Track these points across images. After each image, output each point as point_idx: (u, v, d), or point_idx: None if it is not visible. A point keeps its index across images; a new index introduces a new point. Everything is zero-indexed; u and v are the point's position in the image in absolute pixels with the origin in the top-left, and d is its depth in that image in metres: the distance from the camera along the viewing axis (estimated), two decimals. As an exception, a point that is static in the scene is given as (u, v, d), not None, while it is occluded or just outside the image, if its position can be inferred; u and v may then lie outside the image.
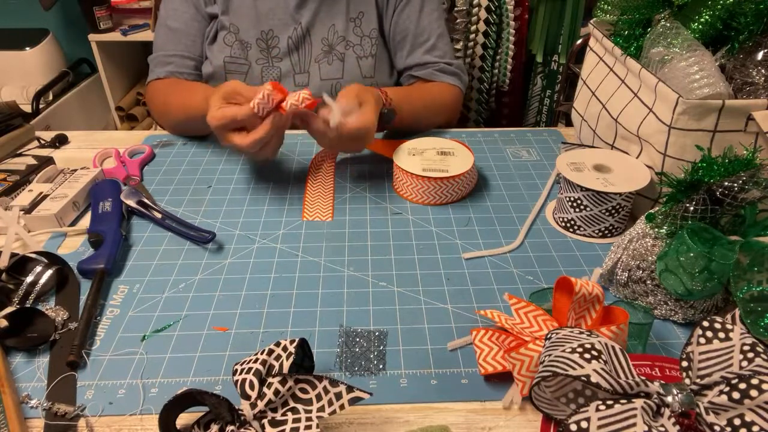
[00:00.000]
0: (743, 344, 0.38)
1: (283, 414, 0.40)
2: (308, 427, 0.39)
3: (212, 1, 0.93)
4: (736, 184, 0.49)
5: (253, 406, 0.40)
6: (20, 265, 0.59)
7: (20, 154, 0.85)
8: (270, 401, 0.40)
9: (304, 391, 0.41)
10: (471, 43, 1.65)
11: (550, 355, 0.41)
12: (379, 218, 0.71)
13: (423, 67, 0.98)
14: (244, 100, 0.67)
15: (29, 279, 0.57)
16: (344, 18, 0.95)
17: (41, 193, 0.72)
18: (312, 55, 0.95)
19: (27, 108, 1.80)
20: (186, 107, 0.84)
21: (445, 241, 0.67)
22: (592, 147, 0.76)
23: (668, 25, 0.64)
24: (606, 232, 0.66)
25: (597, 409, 0.37)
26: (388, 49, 1.01)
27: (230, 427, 0.39)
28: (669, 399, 0.38)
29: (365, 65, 0.97)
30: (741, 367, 0.37)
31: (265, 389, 0.40)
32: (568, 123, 1.75)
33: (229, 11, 0.93)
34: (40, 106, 1.86)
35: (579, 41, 1.65)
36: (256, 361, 0.42)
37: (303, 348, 0.45)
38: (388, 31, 0.98)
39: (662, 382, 0.39)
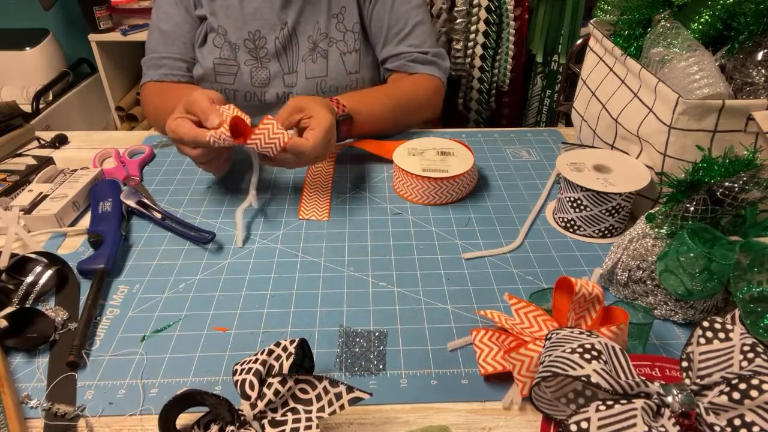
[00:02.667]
0: (743, 344, 0.38)
1: (283, 414, 0.40)
2: (308, 427, 0.39)
3: (200, 3, 0.94)
4: (736, 185, 0.49)
5: (253, 406, 0.40)
6: (20, 265, 0.59)
7: (20, 154, 0.85)
8: (270, 401, 0.40)
9: (304, 391, 0.41)
10: (471, 43, 1.65)
11: (550, 356, 0.41)
12: (379, 218, 0.71)
13: (396, 58, 0.96)
14: (199, 113, 0.65)
15: (29, 279, 0.57)
16: (326, 14, 0.94)
17: (41, 193, 0.72)
18: (299, 54, 0.95)
19: (27, 108, 1.80)
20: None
21: (445, 241, 0.67)
22: (592, 147, 0.76)
23: (668, 25, 0.64)
24: (606, 232, 0.66)
25: (597, 410, 0.37)
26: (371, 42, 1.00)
27: (230, 428, 0.39)
28: (669, 399, 0.38)
29: (349, 61, 0.96)
30: (741, 368, 0.37)
31: (265, 389, 0.40)
32: (568, 123, 1.75)
33: (216, 13, 0.93)
34: (40, 106, 1.86)
35: (579, 41, 1.64)
36: (256, 361, 0.42)
37: (303, 348, 0.45)
38: (367, 24, 0.97)
39: (662, 382, 0.39)
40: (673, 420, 0.37)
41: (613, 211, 0.64)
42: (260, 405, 0.39)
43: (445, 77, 0.99)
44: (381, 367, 0.50)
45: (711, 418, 0.36)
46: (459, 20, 1.60)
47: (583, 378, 0.38)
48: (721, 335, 0.39)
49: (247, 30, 0.93)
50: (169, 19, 0.93)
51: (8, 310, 0.53)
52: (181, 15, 0.93)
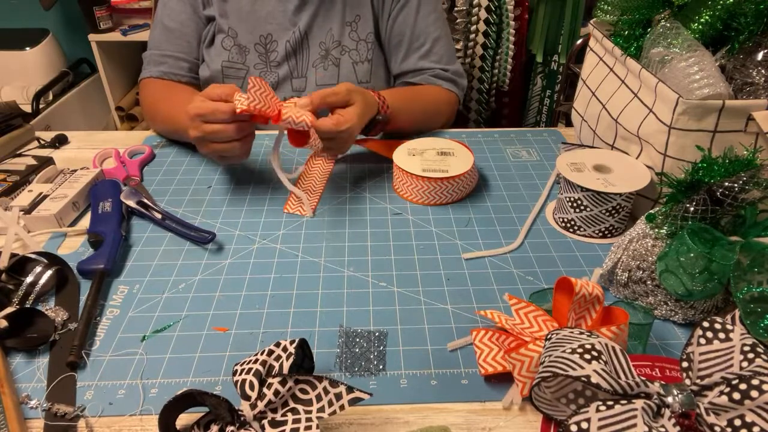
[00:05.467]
0: (743, 345, 0.38)
1: (283, 414, 0.40)
2: (308, 427, 0.39)
3: (209, 3, 0.93)
4: (736, 185, 0.49)
5: (253, 406, 0.40)
6: (20, 265, 0.59)
7: (20, 155, 0.85)
8: (270, 402, 0.40)
9: (304, 391, 0.41)
10: (471, 43, 1.65)
11: (550, 356, 0.41)
12: (379, 218, 0.71)
13: (418, 73, 0.97)
14: (222, 92, 0.66)
15: (29, 279, 0.57)
16: (341, 22, 0.94)
17: (41, 193, 0.72)
18: (310, 59, 0.94)
19: (27, 108, 1.80)
20: (172, 118, 0.84)
21: (445, 241, 0.67)
22: (592, 147, 0.76)
23: (668, 25, 0.64)
24: (606, 232, 0.66)
25: (597, 410, 0.37)
26: (384, 53, 1.00)
27: (230, 428, 0.39)
28: (669, 399, 0.38)
29: (361, 70, 0.96)
30: (741, 368, 0.37)
31: (265, 390, 0.40)
32: (568, 123, 1.75)
33: (226, 15, 0.92)
34: (40, 106, 1.86)
35: (579, 41, 1.65)
36: (256, 361, 0.42)
37: (303, 348, 0.45)
38: (384, 34, 0.97)
39: (662, 382, 0.39)
40: (673, 420, 0.37)
41: (613, 212, 0.64)
42: (260, 405, 0.39)
43: (461, 95, 1.01)
44: (381, 367, 0.50)
45: (711, 419, 0.36)
46: (459, 20, 1.61)
47: (583, 378, 0.38)
48: (721, 335, 0.39)
49: (258, 33, 0.92)
50: (174, 17, 0.92)
51: (8, 310, 0.53)
52: (187, 13, 0.93)
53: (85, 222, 0.69)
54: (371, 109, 0.75)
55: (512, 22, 1.63)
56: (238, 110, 0.62)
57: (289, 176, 0.71)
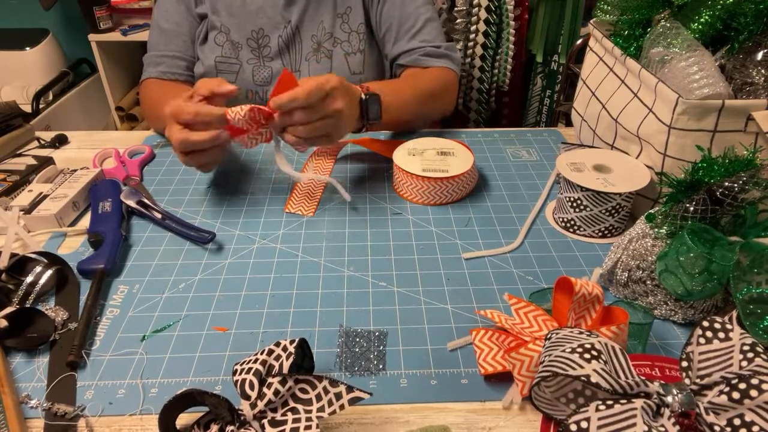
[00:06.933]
0: (743, 344, 0.38)
1: (283, 414, 0.40)
2: (308, 427, 0.39)
3: (201, 0, 0.94)
4: (736, 185, 0.49)
5: (253, 406, 0.40)
6: (20, 265, 0.59)
7: (20, 154, 0.85)
8: (270, 401, 0.40)
9: (304, 391, 0.41)
10: (471, 43, 1.65)
11: (550, 355, 0.41)
12: (379, 218, 0.71)
13: (409, 53, 0.95)
14: (213, 86, 0.66)
15: (29, 279, 0.57)
16: (332, 14, 0.94)
17: (41, 193, 0.72)
18: (302, 53, 0.95)
19: (27, 108, 1.80)
20: None
21: (445, 241, 0.67)
22: (592, 147, 0.76)
23: (668, 25, 0.64)
24: (606, 232, 0.66)
25: (597, 409, 0.37)
26: (377, 43, 1.00)
27: (230, 427, 0.39)
28: (669, 399, 0.38)
29: (353, 61, 0.96)
30: (741, 367, 0.37)
31: (265, 389, 0.40)
32: (568, 123, 1.75)
33: (218, 11, 0.93)
34: (40, 106, 1.86)
35: (579, 41, 1.64)
36: (256, 361, 0.42)
37: (303, 348, 0.45)
38: (375, 23, 0.97)
39: (662, 382, 0.39)
40: (672, 420, 0.37)
41: (613, 211, 0.64)
42: (260, 405, 0.39)
43: (458, 70, 0.98)
44: (381, 367, 0.50)
45: (711, 418, 0.36)
46: (459, 20, 1.61)
47: (582, 378, 0.38)
48: (721, 335, 0.39)
49: (250, 29, 0.93)
50: (169, 17, 0.94)
51: (8, 310, 0.53)
52: (181, 13, 0.94)
53: (85, 222, 0.69)
54: (352, 93, 0.71)
55: (512, 22, 1.63)
56: (233, 116, 0.63)
57: (300, 174, 0.72)
